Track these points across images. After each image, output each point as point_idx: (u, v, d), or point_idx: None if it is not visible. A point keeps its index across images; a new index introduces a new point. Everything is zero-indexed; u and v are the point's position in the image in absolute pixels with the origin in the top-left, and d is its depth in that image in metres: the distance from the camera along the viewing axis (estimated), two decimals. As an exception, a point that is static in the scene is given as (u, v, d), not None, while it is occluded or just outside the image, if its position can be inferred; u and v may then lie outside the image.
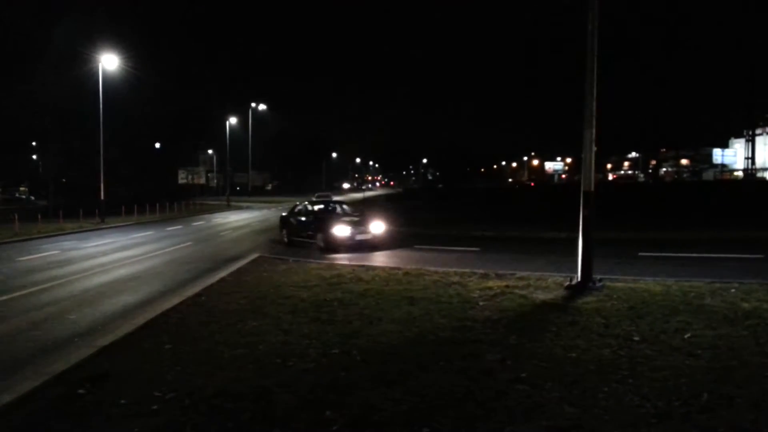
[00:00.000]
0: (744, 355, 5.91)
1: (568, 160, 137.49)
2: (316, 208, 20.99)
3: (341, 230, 17.96)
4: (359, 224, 18.58)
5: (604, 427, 4.38)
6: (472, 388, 5.28)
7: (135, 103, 59.81)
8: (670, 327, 7.04)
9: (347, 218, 19.32)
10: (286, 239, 20.39)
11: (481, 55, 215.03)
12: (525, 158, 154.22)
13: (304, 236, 19.23)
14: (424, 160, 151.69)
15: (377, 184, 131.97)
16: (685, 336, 6.65)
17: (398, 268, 12.47)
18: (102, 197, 35.49)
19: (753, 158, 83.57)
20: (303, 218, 20.18)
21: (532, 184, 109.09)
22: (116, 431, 4.66)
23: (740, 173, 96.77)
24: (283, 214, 22.33)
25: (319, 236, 18.19)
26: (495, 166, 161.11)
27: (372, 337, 7.11)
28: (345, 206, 22.43)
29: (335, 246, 17.45)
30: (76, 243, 22.94)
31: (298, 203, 22.15)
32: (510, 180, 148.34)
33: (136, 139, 65.22)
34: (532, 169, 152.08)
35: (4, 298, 11.22)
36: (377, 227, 18.68)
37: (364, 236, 18.11)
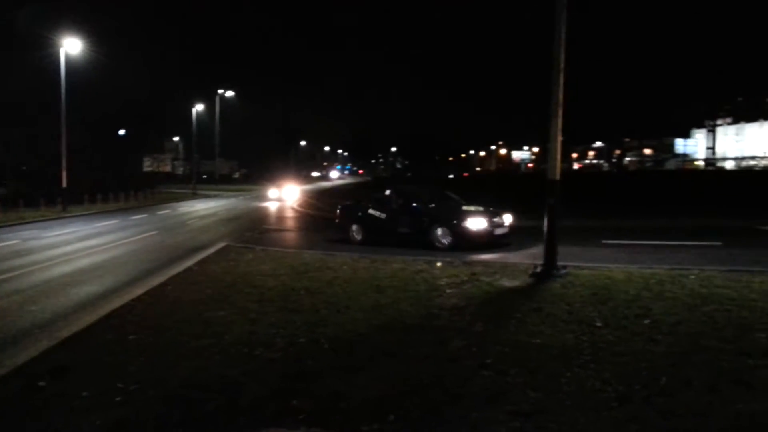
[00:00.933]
0: (701, 340, 6.07)
1: (535, 149, 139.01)
2: (409, 196, 16.53)
3: (476, 222, 14.30)
4: (493, 215, 14.81)
5: (566, 411, 4.47)
6: (438, 374, 5.33)
7: (99, 89, 58.60)
8: (632, 313, 7.19)
9: (471, 207, 15.35)
10: (359, 236, 16.22)
11: (451, 45, 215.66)
12: (493, 147, 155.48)
13: (402, 231, 15.26)
14: (393, 149, 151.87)
15: (336, 173, 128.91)
16: (646, 321, 6.80)
17: (365, 257, 12.48)
18: (64, 185, 34.69)
19: (714, 148, 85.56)
20: (395, 208, 15.82)
21: (490, 170, 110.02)
22: (78, 424, 4.58)
23: (701, 163, 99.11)
24: (346, 204, 18.15)
25: (440, 231, 14.36)
26: (463, 155, 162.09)
27: (339, 326, 7.12)
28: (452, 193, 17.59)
29: (467, 242, 14.00)
30: (38, 232, 22.43)
31: (387, 190, 17.10)
32: (477, 169, 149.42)
33: (100, 126, 63.84)
34: (499, 158, 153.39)
35: (-38, 289, 10.93)
36: (509, 219, 15.27)
37: (502, 230, 14.81)
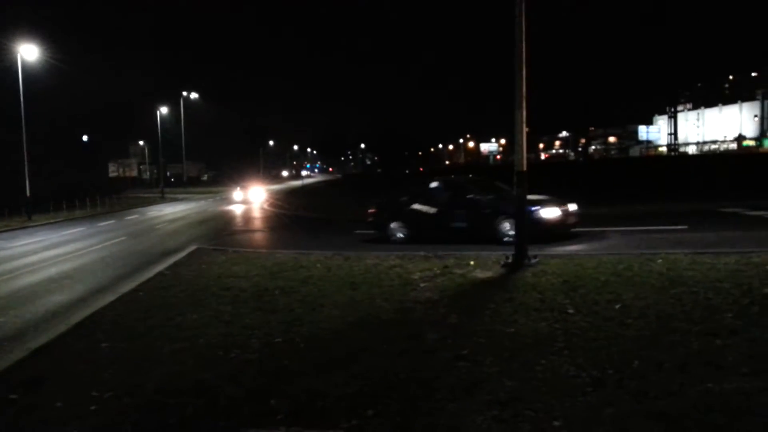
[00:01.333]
0: (671, 322, 6.20)
1: (503, 141, 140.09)
2: (461, 188, 15.27)
3: (550, 211, 13.20)
4: (561, 203, 13.72)
5: (542, 398, 4.53)
6: (415, 368, 5.36)
7: (60, 95, 57.37)
8: (603, 298, 7.31)
9: (536, 196, 13.53)
10: (400, 234, 15.04)
11: (416, 38, 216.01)
12: (461, 140, 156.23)
13: (457, 225, 14.10)
14: (362, 146, 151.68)
15: (305, 171, 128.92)
16: (617, 306, 6.92)
17: (339, 254, 12.47)
18: (28, 194, 33.96)
19: (675, 134, 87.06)
20: (447, 202, 14.56)
21: (460, 162, 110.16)
22: (53, 434, 4.52)
23: (664, 149, 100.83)
24: (381, 201, 16.73)
25: (507, 224, 13.07)
26: (432, 150, 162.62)
27: (315, 324, 7.11)
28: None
29: (540, 233, 12.38)
30: (2, 243, 21.94)
31: (433, 182, 15.90)
32: (446, 162, 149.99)
33: (63, 133, 62.60)
34: (468, 150, 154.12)
35: (-75, 304, 10.64)
36: (575, 207, 14.15)
37: (573, 219, 13.86)
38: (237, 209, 36.13)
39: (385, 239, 15.19)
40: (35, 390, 5.47)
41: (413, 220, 15.00)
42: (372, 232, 16.05)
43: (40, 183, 38.68)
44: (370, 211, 16.34)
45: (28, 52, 33.88)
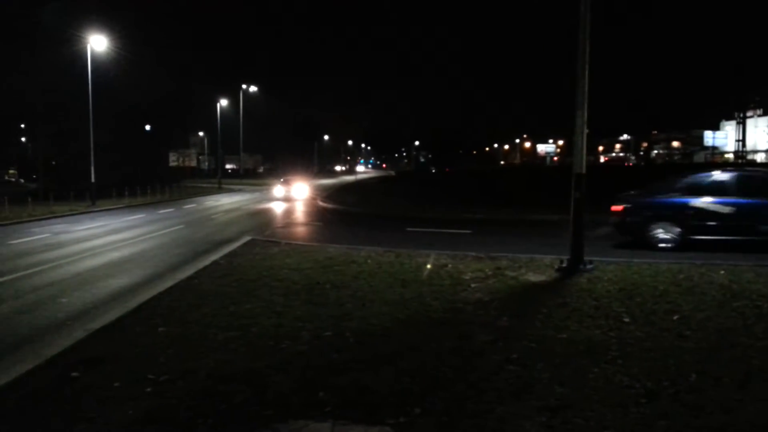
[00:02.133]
0: (731, 336, 5.99)
1: (560, 142, 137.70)
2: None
3: None
4: None
5: (593, 406, 4.44)
6: (463, 368, 5.33)
7: (125, 84, 59.30)
8: (660, 308, 7.11)
9: None
10: (668, 237, 12.44)
11: (475, 37, 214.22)
12: (517, 140, 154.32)
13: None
14: (416, 143, 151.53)
15: (361, 167, 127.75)
16: (675, 317, 6.72)
17: (390, 251, 12.50)
18: (93, 180, 35.26)
19: (744, 140, 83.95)
20: (749, 199, 11.97)
21: (515, 163, 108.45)
22: (110, 414, 4.68)
23: (731, 155, 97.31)
24: (636, 196, 13.72)
25: None
26: (487, 149, 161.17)
27: (364, 319, 7.15)
28: None
29: None
30: (68, 226, 22.83)
31: (709, 173, 13.34)
32: (501, 162, 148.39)
33: (127, 122, 64.73)
34: (524, 151, 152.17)
35: (-4, 281, 11.18)
36: None
37: None
38: (288, 202, 36.54)
39: (639, 243, 12.74)
40: (95, 369, 5.68)
41: (689, 222, 12.29)
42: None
43: (105, 170, 40.09)
44: (615, 209, 13.32)
45: (97, 43, 35.09)
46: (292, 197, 37.94)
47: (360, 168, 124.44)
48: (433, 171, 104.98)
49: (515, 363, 5.41)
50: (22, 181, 73.06)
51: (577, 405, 4.48)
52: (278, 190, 40.37)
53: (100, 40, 35.21)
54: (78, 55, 35.90)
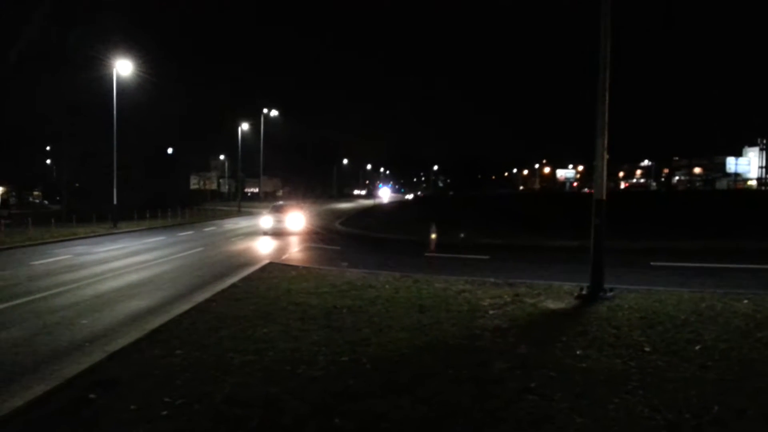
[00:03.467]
0: (756, 367, 5.86)
1: (580, 167, 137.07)
2: None
3: None
4: None
5: (613, 438, 4.35)
6: (481, 397, 5.27)
7: (148, 108, 60.18)
8: (682, 338, 6.99)
9: None
10: None
11: (494, 63, 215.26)
12: (537, 165, 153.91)
13: None
14: (435, 167, 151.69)
15: (388, 191, 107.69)
16: (697, 347, 6.60)
17: (408, 276, 12.46)
18: (114, 202, 35.73)
19: (767, 167, 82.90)
20: None
21: (534, 188, 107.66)
22: (126, 436, 4.68)
23: (754, 182, 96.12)
24: None
25: None
26: (506, 174, 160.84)
27: (381, 345, 7.11)
28: None
29: None
30: (89, 247, 23.11)
31: None
32: (521, 188, 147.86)
33: (149, 144, 65.65)
34: (543, 176, 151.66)
35: (18, 301, 11.31)
36: None
37: None
38: (309, 226, 36.19)
39: None
40: (112, 391, 5.70)
41: None
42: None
43: (127, 192, 40.57)
44: None
45: (123, 67, 35.78)
46: (285, 230, 29.07)
47: (385, 193, 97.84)
48: (451, 194, 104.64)
49: (534, 392, 5.34)
50: (45, 202, 74.19)
51: (596, 436, 4.39)
52: (265, 221, 30.04)
53: (126, 64, 35.90)
54: (102, 78, 36.64)
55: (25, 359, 7.44)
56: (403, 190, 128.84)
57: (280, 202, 34.55)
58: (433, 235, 20.43)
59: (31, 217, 31.44)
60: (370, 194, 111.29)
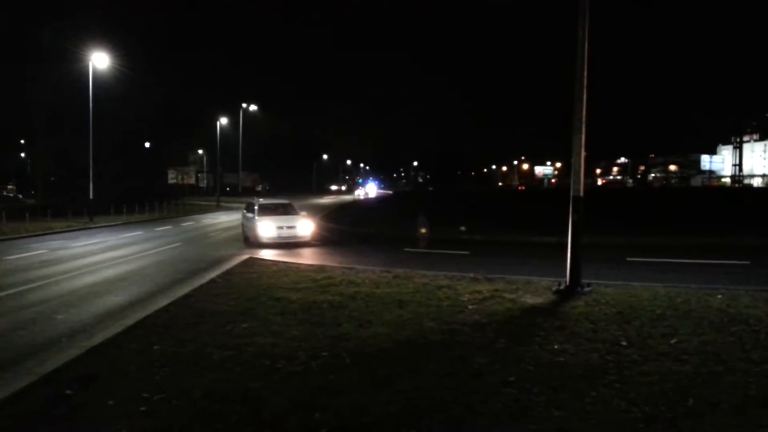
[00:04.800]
0: (729, 361, 5.97)
1: (558, 164, 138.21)
2: None
3: None
4: None
5: (591, 431, 4.42)
6: (460, 391, 5.31)
7: (125, 102, 59.54)
8: (658, 332, 7.10)
9: None
10: None
11: (472, 59, 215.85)
12: (515, 162, 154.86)
13: None
14: (415, 163, 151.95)
15: (373, 187, 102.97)
16: (672, 341, 6.71)
17: (388, 271, 12.48)
18: (91, 196, 35.26)
19: (740, 165, 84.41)
20: None
21: (521, 188, 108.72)
22: (104, 432, 4.64)
23: (728, 180, 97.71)
24: None
25: None
26: (485, 170, 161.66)
27: (362, 340, 7.12)
28: None
29: None
30: (65, 242, 22.80)
31: None
32: (500, 184, 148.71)
33: (126, 139, 64.97)
34: (522, 173, 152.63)
35: (-9, 297, 11.14)
36: None
37: None
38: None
39: None
40: (89, 387, 5.64)
41: None
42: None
43: (103, 187, 40.09)
44: None
45: (99, 60, 35.25)
46: (296, 238, 21.06)
47: (371, 188, 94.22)
48: (430, 190, 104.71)
49: (512, 386, 5.39)
50: (20, 196, 73.08)
51: (574, 429, 4.45)
52: (264, 227, 20.94)
53: (102, 58, 35.38)
54: (79, 72, 36.13)
55: (0, 355, 7.33)
56: (383, 186, 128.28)
57: (273, 201, 26.89)
58: (423, 230, 20.23)
59: (5, 211, 30.96)
60: (351, 190, 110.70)
